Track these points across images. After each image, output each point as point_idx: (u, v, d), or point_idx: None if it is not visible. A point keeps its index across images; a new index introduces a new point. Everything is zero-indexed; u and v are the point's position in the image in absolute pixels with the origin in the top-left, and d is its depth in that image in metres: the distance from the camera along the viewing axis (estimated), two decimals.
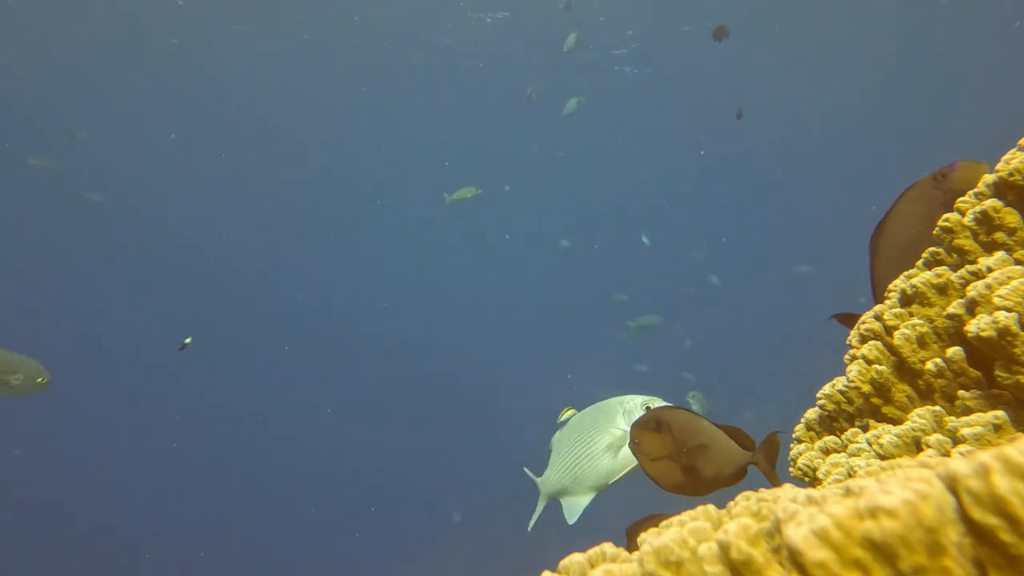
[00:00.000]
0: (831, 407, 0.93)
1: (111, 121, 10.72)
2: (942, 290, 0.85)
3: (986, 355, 0.74)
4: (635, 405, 1.76)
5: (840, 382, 0.92)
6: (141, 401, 10.46)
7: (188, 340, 3.20)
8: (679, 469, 1.07)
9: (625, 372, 9.05)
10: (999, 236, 0.82)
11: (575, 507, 1.79)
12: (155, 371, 10.44)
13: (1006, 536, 0.26)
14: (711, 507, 0.44)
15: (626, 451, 1.74)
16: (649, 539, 0.38)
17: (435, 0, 9.50)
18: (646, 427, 1.10)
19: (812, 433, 0.97)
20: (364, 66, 10.92)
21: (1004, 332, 0.69)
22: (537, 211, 13.57)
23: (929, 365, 0.81)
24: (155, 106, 10.88)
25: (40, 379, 2.51)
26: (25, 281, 11.58)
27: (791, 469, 0.92)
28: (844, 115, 11.47)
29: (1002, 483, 0.26)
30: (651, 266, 11.81)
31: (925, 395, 0.83)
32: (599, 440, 1.74)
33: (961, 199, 0.88)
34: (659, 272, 11.39)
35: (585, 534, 0.90)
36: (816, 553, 0.28)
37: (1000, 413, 0.71)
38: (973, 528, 0.26)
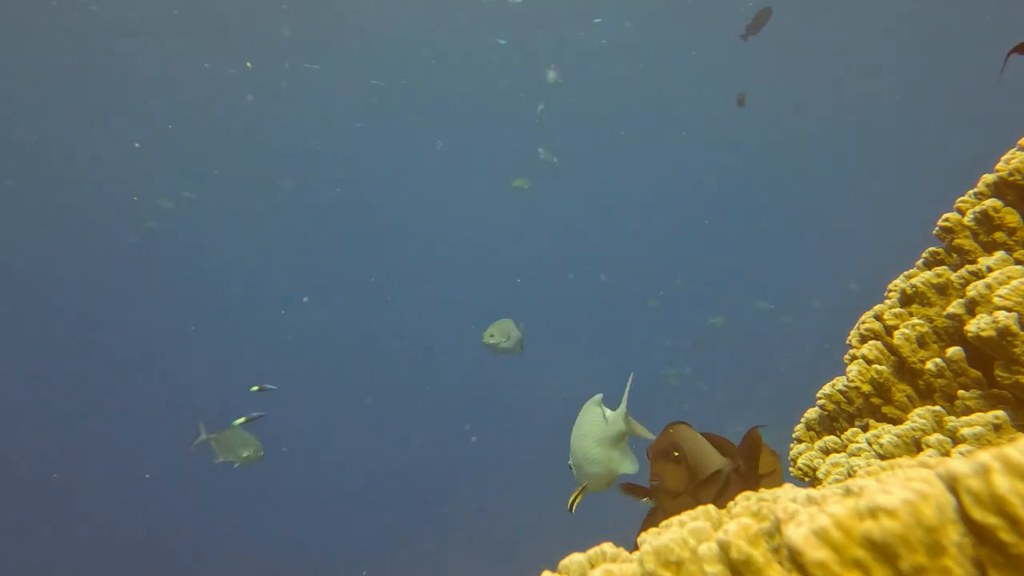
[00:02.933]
0: (831, 407, 0.93)
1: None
2: (942, 290, 0.85)
3: (986, 355, 0.74)
4: (618, 416, 1.28)
5: (840, 382, 0.92)
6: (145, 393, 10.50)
7: (255, 388, 3.29)
8: (694, 504, 0.80)
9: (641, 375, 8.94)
10: (999, 236, 0.82)
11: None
12: (156, 370, 10.47)
13: (1006, 536, 0.26)
14: (711, 507, 0.44)
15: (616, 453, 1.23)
16: (649, 539, 0.38)
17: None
18: (665, 456, 0.84)
19: (812, 433, 0.97)
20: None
21: (1004, 332, 0.69)
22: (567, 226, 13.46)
23: (929, 365, 0.81)
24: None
25: (247, 454, 3.30)
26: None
27: (791, 469, 0.92)
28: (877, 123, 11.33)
29: (1002, 483, 0.26)
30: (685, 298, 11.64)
31: (925, 395, 0.83)
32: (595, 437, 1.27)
33: (961, 199, 0.89)
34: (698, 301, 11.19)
35: (585, 534, 0.89)
36: (816, 553, 0.28)
37: (1000, 413, 0.71)
38: (973, 528, 0.26)
